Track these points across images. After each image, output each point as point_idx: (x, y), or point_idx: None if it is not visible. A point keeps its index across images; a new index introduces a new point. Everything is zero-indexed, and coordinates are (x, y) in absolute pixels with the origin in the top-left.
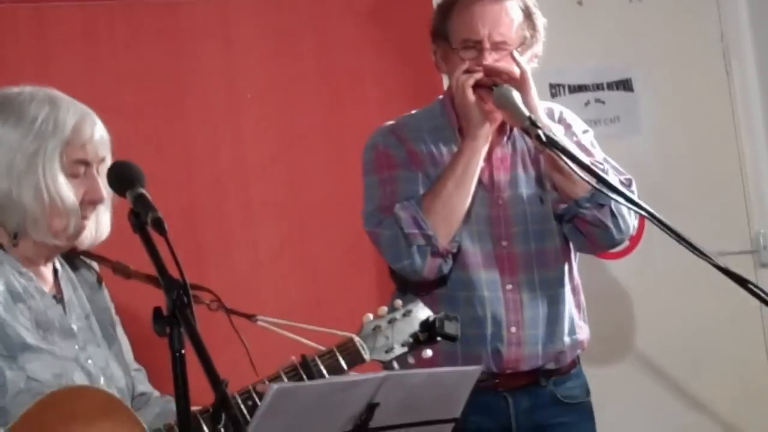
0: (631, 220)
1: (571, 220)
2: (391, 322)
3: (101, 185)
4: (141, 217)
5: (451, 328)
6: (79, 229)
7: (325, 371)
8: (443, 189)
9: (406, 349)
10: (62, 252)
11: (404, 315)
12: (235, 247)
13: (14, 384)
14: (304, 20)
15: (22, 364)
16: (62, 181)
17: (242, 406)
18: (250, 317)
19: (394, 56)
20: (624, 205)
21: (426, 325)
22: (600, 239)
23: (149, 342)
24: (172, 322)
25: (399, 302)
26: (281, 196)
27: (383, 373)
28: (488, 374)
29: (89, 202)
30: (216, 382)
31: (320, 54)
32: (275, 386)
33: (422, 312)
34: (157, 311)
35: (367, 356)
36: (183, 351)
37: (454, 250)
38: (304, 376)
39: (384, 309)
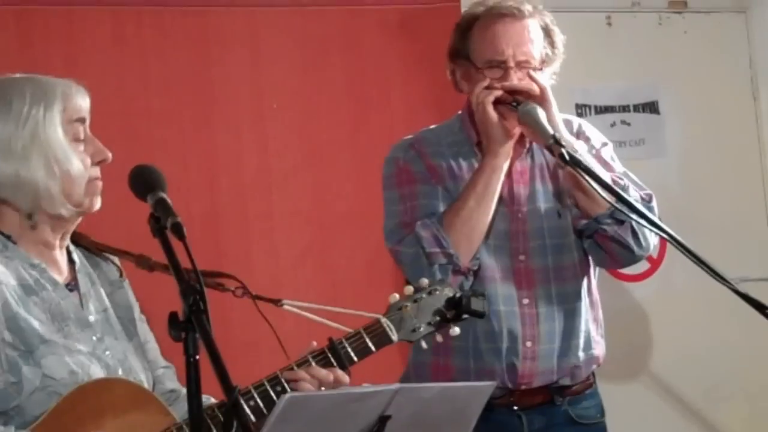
0: (651, 236)
1: (592, 235)
2: (417, 301)
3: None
4: (161, 222)
5: (478, 304)
6: (95, 193)
7: (353, 353)
8: (464, 206)
9: (432, 328)
10: (77, 223)
11: (429, 293)
12: (256, 255)
13: (30, 382)
14: (332, 30)
15: (38, 359)
16: (69, 148)
17: (271, 392)
18: (276, 302)
19: (421, 68)
20: (643, 226)
21: (452, 302)
22: (620, 255)
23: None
24: (187, 327)
25: (425, 281)
26: (304, 205)
27: (396, 386)
28: (503, 390)
29: (98, 163)
30: (229, 389)
31: (347, 65)
32: (287, 395)
33: (448, 290)
34: (173, 316)
35: (394, 337)
36: (197, 356)
37: (476, 268)
38: (332, 359)
39: (410, 288)
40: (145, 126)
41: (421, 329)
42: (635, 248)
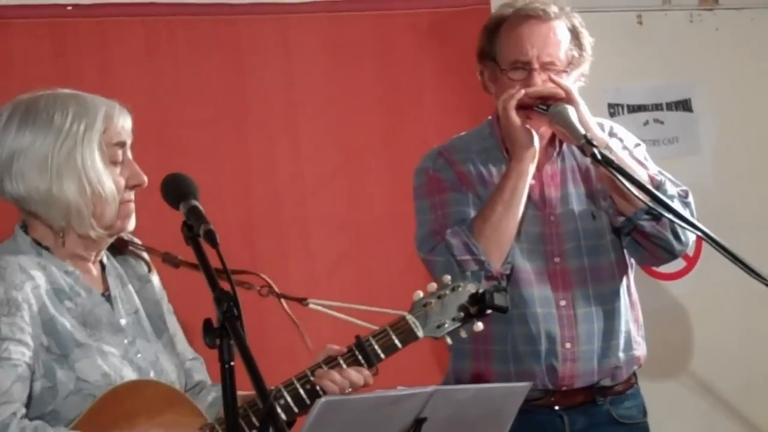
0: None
1: (630, 233)
2: (440, 297)
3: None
4: (194, 229)
5: (500, 299)
6: (127, 215)
7: (380, 351)
8: (492, 213)
9: (457, 323)
10: (110, 242)
11: (453, 290)
12: (291, 262)
13: (64, 386)
14: (363, 35)
15: (72, 363)
16: (103, 170)
17: (300, 390)
18: (301, 301)
19: (454, 71)
20: (680, 225)
21: (475, 297)
22: (660, 252)
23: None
24: (222, 334)
25: (448, 277)
26: (339, 211)
27: (431, 388)
28: (543, 392)
29: (133, 187)
30: (264, 395)
31: (379, 69)
32: (322, 399)
33: (471, 286)
34: (207, 323)
35: (420, 333)
36: (233, 363)
37: (508, 272)
38: (360, 357)
39: (433, 285)
40: (179, 135)
41: (446, 325)
42: (675, 244)
